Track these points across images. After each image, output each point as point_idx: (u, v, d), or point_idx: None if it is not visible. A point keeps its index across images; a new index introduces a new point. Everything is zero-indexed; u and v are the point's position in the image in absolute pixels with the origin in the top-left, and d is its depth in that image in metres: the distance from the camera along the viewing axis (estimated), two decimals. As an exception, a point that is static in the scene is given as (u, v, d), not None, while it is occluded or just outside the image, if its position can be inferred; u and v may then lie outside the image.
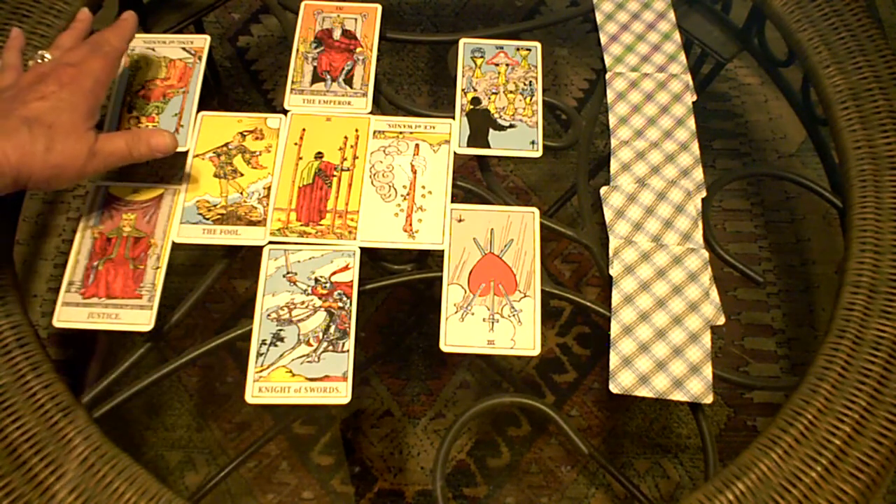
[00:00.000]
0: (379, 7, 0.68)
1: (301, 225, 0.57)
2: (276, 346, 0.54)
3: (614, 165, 0.62)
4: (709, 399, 0.54)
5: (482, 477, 0.95)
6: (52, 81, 0.51)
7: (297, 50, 0.65)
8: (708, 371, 0.55)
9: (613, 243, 0.59)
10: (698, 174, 0.62)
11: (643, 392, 0.54)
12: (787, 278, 1.07)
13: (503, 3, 1.26)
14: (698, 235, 0.59)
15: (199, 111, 0.62)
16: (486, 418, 0.98)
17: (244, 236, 0.57)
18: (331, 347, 0.54)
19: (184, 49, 0.65)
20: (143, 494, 0.47)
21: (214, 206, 0.58)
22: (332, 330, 0.54)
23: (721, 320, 0.57)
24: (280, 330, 0.54)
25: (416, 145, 0.61)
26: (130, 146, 0.53)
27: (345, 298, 0.55)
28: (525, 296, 0.56)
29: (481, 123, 0.63)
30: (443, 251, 0.57)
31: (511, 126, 0.63)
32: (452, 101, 0.64)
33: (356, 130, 0.62)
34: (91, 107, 0.52)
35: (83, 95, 0.51)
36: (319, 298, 0.55)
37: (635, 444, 0.97)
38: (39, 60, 0.54)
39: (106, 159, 0.52)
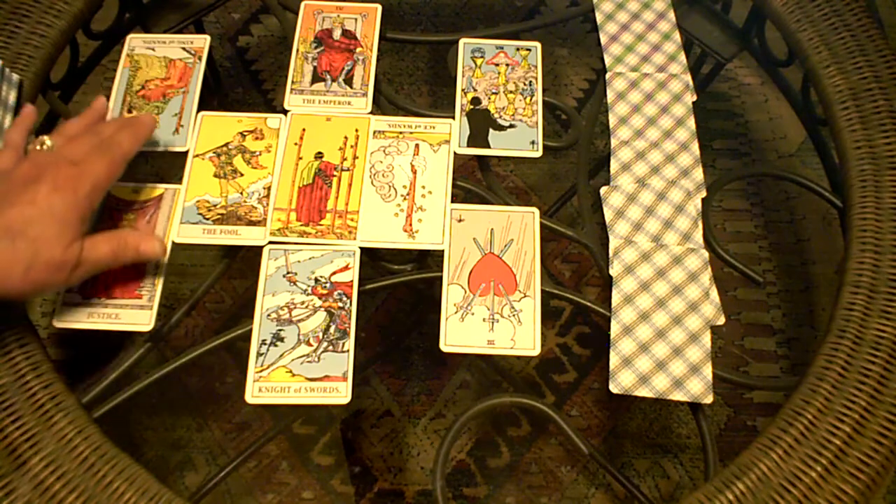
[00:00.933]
0: (379, 7, 0.68)
1: (301, 225, 0.57)
2: (276, 346, 0.53)
3: (614, 165, 0.62)
4: (709, 399, 0.54)
5: (482, 477, 0.95)
6: (47, 181, 0.47)
7: (297, 50, 0.65)
8: (708, 371, 0.55)
9: (613, 243, 0.59)
10: (698, 174, 0.62)
11: (643, 392, 0.54)
12: (787, 278, 1.07)
13: (503, 3, 1.26)
14: (698, 235, 0.59)
15: (199, 111, 0.62)
16: (486, 418, 0.98)
17: (244, 236, 0.57)
18: (331, 347, 0.54)
19: (184, 49, 0.65)
20: (143, 494, 0.47)
21: (214, 206, 0.58)
22: (332, 330, 0.54)
23: (721, 320, 0.57)
24: (280, 330, 0.54)
25: (416, 145, 0.61)
26: (117, 253, 0.50)
27: (345, 298, 0.55)
28: (525, 296, 0.56)
29: (481, 123, 0.63)
30: (443, 251, 0.57)
31: (511, 126, 0.63)
32: (452, 101, 0.64)
33: (356, 130, 0.62)
34: (83, 214, 0.48)
35: (76, 202, 0.47)
36: (319, 298, 0.55)
37: (635, 444, 0.97)
38: (39, 147, 0.51)
39: (91, 267, 0.49)
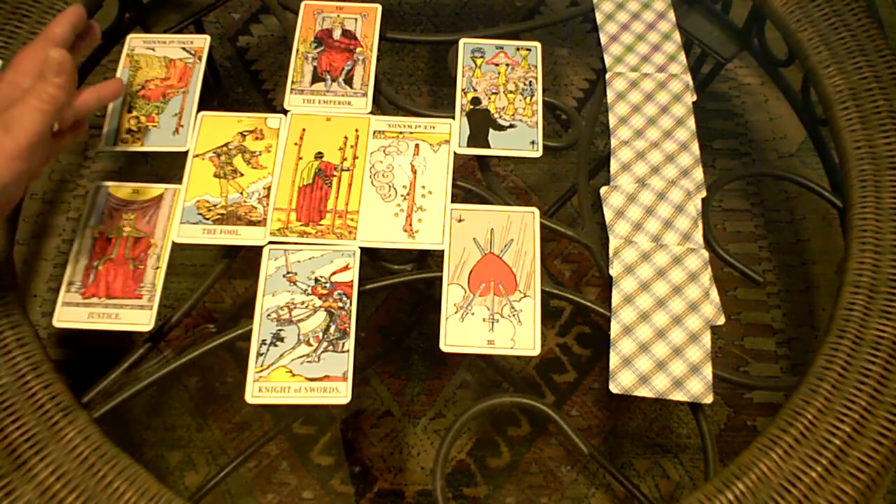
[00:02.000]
0: (379, 7, 0.68)
1: (301, 225, 0.57)
2: (276, 346, 0.54)
3: (614, 165, 0.62)
4: (709, 399, 0.54)
5: (482, 477, 0.95)
6: None
7: (297, 50, 0.65)
8: (708, 371, 0.55)
9: (613, 243, 0.59)
10: (698, 174, 0.62)
11: (643, 392, 0.54)
12: (787, 278, 1.07)
13: (503, 3, 1.26)
14: (698, 235, 0.59)
15: (199, 111, 0.62)
16: (486, 418, 0.98)
17: (244, 236, 0.57)
18: (331, 347, 0.54)
19: (184, 49, 0.65)
20: (143, 494, 0.47)
21: (214, 206, 0.58)
22: (332, 330, 0.54)
23: (721, 320, 0.57)
24: (280, 330, 0.54)
25: (416, 145, 0.61)
26: (43, 111, 0.46)
27: (345, 298, 0.55)
28: (525, 296, 0.56)
29: (481, 123, 0.63)
30: (443, 251, 0.57)
31: (511, 126, 0.63)
32: (452, 101, 0.64)
33: (356, 130, 0.62)
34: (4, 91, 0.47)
35: None
36: (319, 298, 0.55)
37: (635, 444, 0.97)
38: None
39: (25, 123, 0.45)
